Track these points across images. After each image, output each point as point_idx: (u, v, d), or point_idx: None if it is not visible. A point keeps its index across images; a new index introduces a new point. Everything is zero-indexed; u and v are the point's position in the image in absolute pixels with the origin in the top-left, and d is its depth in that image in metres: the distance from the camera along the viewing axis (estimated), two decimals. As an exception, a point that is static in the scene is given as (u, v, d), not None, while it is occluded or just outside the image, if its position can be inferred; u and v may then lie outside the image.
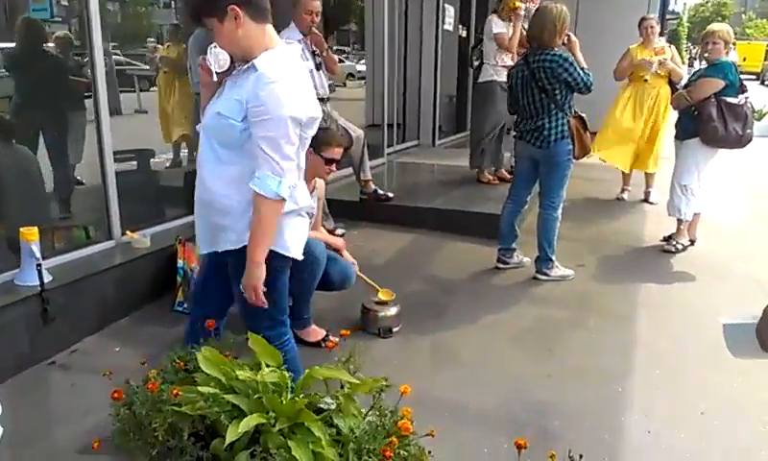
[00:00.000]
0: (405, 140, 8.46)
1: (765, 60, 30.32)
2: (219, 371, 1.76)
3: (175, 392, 1.67)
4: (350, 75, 10.82)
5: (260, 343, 1.79)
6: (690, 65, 32.80)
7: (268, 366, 1.78)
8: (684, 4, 42.54)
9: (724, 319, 1.45)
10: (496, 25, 5.60)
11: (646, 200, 6.17)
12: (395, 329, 3.37)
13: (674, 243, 4.72)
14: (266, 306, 2.07)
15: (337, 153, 3.24)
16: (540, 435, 2.50)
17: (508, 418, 2.63)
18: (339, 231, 4.92)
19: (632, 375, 2.99)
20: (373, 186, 5.20)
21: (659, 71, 5.63)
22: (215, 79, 2.02)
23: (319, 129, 3.55)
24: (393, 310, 3.39)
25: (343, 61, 11.40)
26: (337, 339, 3.24)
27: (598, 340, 3.33)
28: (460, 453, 2.40)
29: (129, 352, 3.13)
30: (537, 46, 3.86)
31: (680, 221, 4.71)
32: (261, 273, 2.00)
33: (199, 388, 1.68)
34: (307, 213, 2.32)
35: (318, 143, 3.22)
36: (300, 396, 1.73)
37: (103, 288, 3.39)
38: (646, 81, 5.71)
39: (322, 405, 1.80)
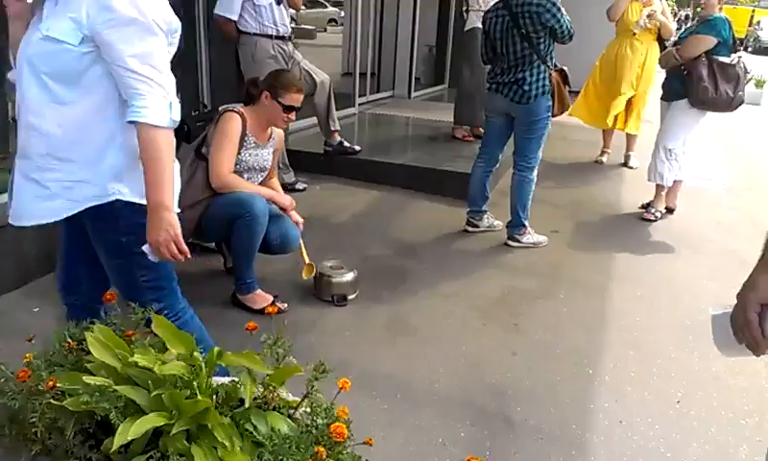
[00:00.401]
0: (379, 90, 8.05)
1: (750, 25, 30.04)
2: (114, 356, 1.44)
3: (51, 383, 1.35)
4: (332, 20, 10.24)
5: (165, 325, 1.47)
6: (679, 27, 32.32)
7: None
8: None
9: (713, 308, 1.18)
10: None
11: (626, 164, 5.92)
12: (350, 297, 3.07)
13: (653, 211, 4.49)
14: (187, 257, 1.72)
15: (297, 99, 2.88)
16: (499, 422, 2.25)
17: (466, 401, 2.37)
18: (299, 186, 4.59)
19: (604, 355, 2.76)
20: (339, 138, 4.83)
21: (647, 24, 5.30)
22: None
23: (277, 71, 3.18)
24: (348, 276, 3.09)
25: (325, 6, 10.78)
26: (284, 305, 2.95)
27: (569, 314, 3.08)
28: (410, 443, 2.14)
29: (49, 312, 2.79)
30: None
31: (659, 187, 4.47)
32: (175, 219, 1.64)
33: (84, 378, 1.36)
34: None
35: (276, 87, 2.86)
36: (209, 389, 1.42)
37: (23, 239, 3.01)
38: (634, 34, 5.38)
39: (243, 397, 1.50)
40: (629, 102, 5.60)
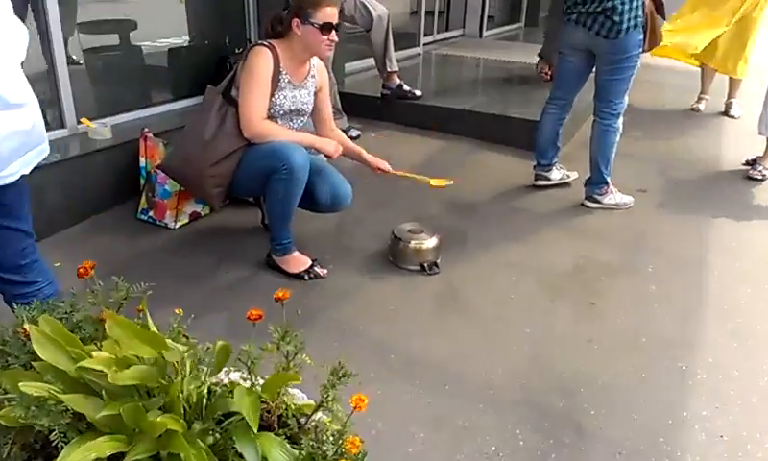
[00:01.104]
0: (448, 29, 7.43)
1: None
2: (65, 355, 1.12)
3: (-24, 393, 1.05)
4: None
5: (118, 321, 1.13)
6: None
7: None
8: None
9: None
10: None
11: (726, 113, 5.15)
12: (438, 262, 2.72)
13: (760, 169, 3.82)
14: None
15: (332, 15, 2.44)
16: (568, 430, 1.84)
17: (528, 400, 1.97)
18: (353, 133, 4.18)
19: (700, 347, 2.27)
20: (398, 80, 4.37)
21: None
22: None
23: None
24: (434, 240, 2.72)
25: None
26: (324, 271, 2.61)
27: (658, 294, 2.59)
28: (456, 449, 1.77)
29: (70, 269, 2.57)
30: None
31: None
32: None
33: (21, 385, 1.05)
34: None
35: (303, 8, 2.42)
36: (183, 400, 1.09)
37: (50, 186, 2.78)
38: None
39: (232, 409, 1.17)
40: (734, 40, 4.76)
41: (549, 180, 3.52)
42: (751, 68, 4.98)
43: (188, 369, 1.19)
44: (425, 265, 2.66)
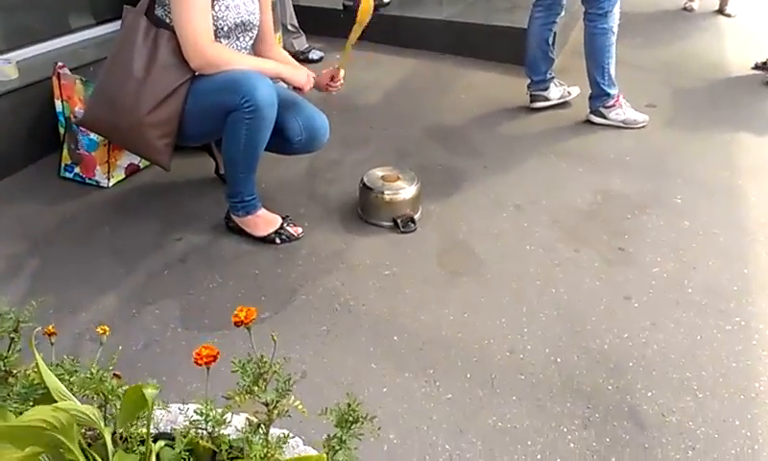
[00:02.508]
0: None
1: None
2: None
3: None
4: None
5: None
6: None
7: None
8: None
9: None
10: None
11: (721, 11, 4.72)
12: (416, 217, 2.23)
13: None
14: None
15: None
16: (624, 421, 1.47)
17: (568, 384, 1.59)
18: (314, 55, 3.62)
19: (757, 296, 1.91)
20: (362, -12, 3.75)
21: None
22: None
23: None
24: (412, 190, 2.22)
25: None
26: (298, 230, 2.14)
27: (694, 230, 2.21)
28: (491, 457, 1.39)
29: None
30: None
31: None
32: None
33: None
34: None
35: None
36: None
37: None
38: None
39: None
40: None
41: (548, 100, 3.06)
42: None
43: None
44: (398, 221, 2.19)
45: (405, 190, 2.21)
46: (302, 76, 2.07)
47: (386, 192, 2.19)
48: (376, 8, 3.78)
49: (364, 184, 2.23)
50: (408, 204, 2.21)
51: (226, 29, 1.94)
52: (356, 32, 2.05)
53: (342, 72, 2.15)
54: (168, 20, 1.89)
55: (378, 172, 2.27)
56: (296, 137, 2.08)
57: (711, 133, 2.93)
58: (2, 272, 1.96)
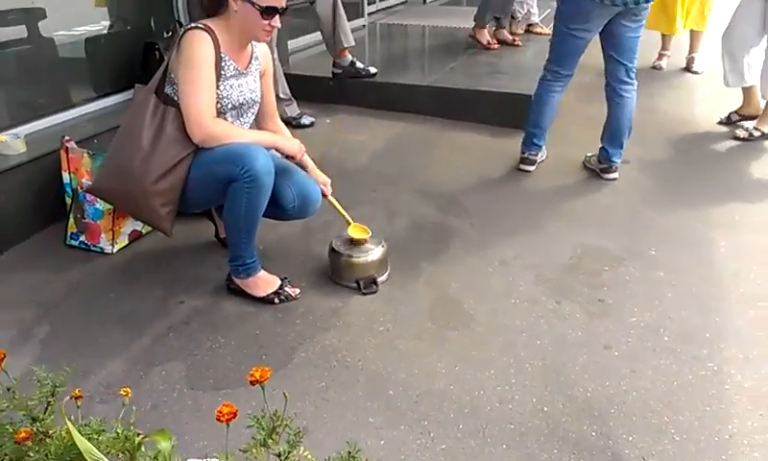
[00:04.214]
0: (391, -4, 7.02)
1: None
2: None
3: None
4: None
5: None
6: None
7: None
8: None
9: None
10: None
11: (689, 68, 5.01)
12: (381, 279, 2.33)
13: (746, 127, 3.64)
14: None
15: None
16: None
17: (554, 433, 1.69)
18: (305, 120, 3.79)
19: (727, 341, 2.04)
20: (350, 57, 3.97)
21: None
22: None
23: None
24: (377, 252, 2.33)
25: None
26: (296, 291, 2.25)
27: (668, 281, 2.35)
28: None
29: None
30: None
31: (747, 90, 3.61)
32: None
33: None
34: None
35: None
36: None
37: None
38: None
39: None
40: None
41: (534, 163, 3.23)
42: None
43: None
44: (361, 283, 2.28)
45: (370, 253, 2.31)
46: (295, 146, 2.23)
47: (352, 255, 2.30)
48: (366, 76, 4.02)
49: (332, 248, 2.34)
50: (373, 266, 2.31)
51: (230, 106, 2.10)
52: (340, 211, 2.37)
53: (328, 192, 2.36)
54: (176, 98, 2.05)
55: (346, 236, 2.37)
56: (289, 204, 2.21)
57: (683, 188, 3.12)
58: (13, 338, 2.04)
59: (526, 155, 3.23)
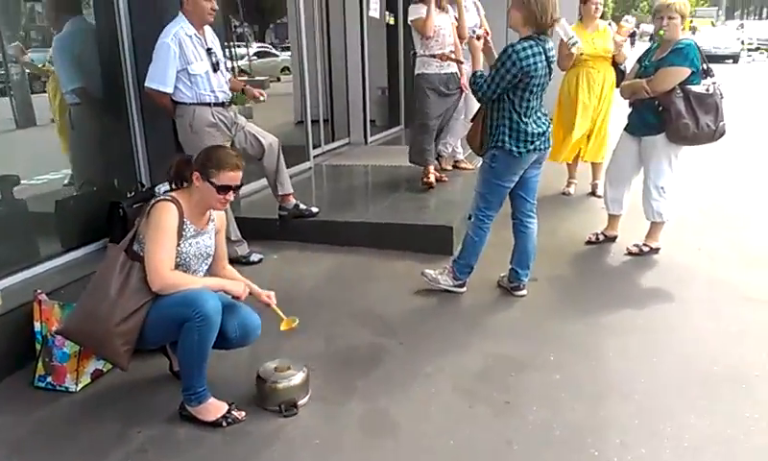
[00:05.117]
0: (334, 139, 7.78)
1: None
2: None
3: None
4: (286, 69, 9.96)
5: None
6: (632, 44, 33.68)
7: None
8: (610, -21, 43.40)
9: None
10: (412, 12, 5.08)
11: (593, 193, 5.73)
12: (301, 402, 2.64)
13: (640, 244, 4.24)
14: None
15: (232, 178, 2.54)
16: None
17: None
18: (254, 257, 4.23)
19: (608, 430, 2.44)
20: (294, 201, 4.50)
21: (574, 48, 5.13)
22: None
23: (210, 148, 2.81)
24: (297, 378, 2.65)
25: (277, 56, 10.51)
26: (242, 414, 2.57)
27: (563, 383, 2.77)
28: None
29: None
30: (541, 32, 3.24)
31: (656, 224, 4.22)
32: None
33: None
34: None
35: (207, 166, 2.51)
36: None
37: None
38: (586, 60, 5.20)
39: None
40: (597, 133, 5.46)
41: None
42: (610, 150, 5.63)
43: None
44: (282, 406, 2.58)
45: (292, 378, 2.62)
46: (239, 288, 2.61)
47: (275, 381, 2.61)
48: (307, 216, 4.52)
49: (258, 375, 2.66)
50: (294, 390, 2.62)
51: (187, 260, 2.53)
52: (279, 314, 2.72)
53: (272, 302, 2.74)
54: (141, 254, 2.45)
55: (272, 364, 2.70)
56: (232, 335, 2.57)
57: (582, 300, 3.63)
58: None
59: (462, 281, 3.71)
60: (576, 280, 3.96)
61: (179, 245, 2.49)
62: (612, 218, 4.43)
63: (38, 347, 2.81)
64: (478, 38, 3.48)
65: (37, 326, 2.81)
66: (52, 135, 3.97)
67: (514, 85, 3.20)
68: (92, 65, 3.95)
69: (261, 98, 4.13)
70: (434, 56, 4.99)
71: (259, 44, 10.05)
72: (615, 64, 5.26)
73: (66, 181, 4.15)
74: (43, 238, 3.58)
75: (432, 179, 5.24)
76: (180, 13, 3.68)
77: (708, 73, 3.80)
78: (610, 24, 5.60)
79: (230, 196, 2.55)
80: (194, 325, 2.36)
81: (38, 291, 2.85)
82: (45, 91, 3.94)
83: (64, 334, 2.57)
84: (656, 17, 3.87)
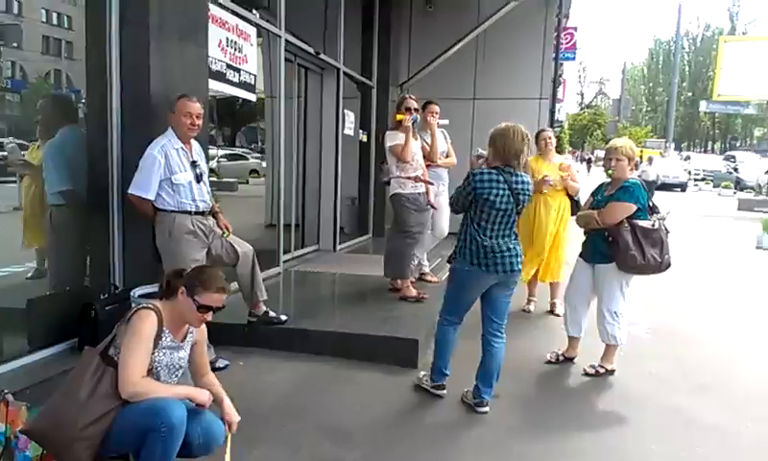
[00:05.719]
0: (304, 245, 7.98)
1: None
2: None
3: None
4: (254, 171, 10.31)
5: None
6: (588, 169, 35.99)
7: None
8: (566, 113, 46.70)
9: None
10: (390, 138, 5.49)
11: (552, 311, 5.98)
12: None
13: (596, 366, 4.42)
14: None
15: (216, 299, 2.67)
16: None
17: None
18: (220, 364, 4.25)
19: None
20: (264, 308, 4.59)
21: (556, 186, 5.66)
22: None
23: (201, 267, 2.96)
24: None
25: (246, 158, 10.90)
26: (205, 528, 2.55)
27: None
28: None
29: None
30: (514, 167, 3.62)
31: (611, 346, 4.44)
32: None
33: None
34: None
35: (194, 284, 2.64)
36: None
37: None
38: (544, 193, 5.65)
39: None
40: (553, 254, 5.84)
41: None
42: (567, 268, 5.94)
43: None
44: None
45: None
46: (204, 397, 2.67)
47: None
48: (276, 324, 4.61)
49: None
50: None
51: (158, 369, 2.60)
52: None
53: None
54: (116, 359, 2.52)
55: None
56: (195, 441, 2.60)
57: (542, 420, 3.75)
58: None
59: (439, 383, 3.89)
60: (537, 401, 4.09)
61: (153, 352, 2.57)
62: (572, 340, 4.63)
63: (1, 449, 2.77)
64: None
65: (1, 427, 2.78)
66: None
67: (474, 204, 3.59)
68: (81, 170, 4.12)
69: (227, 232, 4.20)
70: (409, 177, 5.38)
71: (229, 148, 10.48)
72: (570, 196, 5.73)
73: (30, 275, 4.20)
74: (12, 337, 3.58)
75: (415, 292, 5.49)
76: (170, 128, 3.92)
77: (653, 210, 4.19)
78: (566, 157, 6.13)
79: (209, 316, 2.67)
80: (159, 434, 2.40)
81: (5, 391, 2.84)
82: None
83: (30, 434, 2.56)
84: (606, 158, 4.31)
